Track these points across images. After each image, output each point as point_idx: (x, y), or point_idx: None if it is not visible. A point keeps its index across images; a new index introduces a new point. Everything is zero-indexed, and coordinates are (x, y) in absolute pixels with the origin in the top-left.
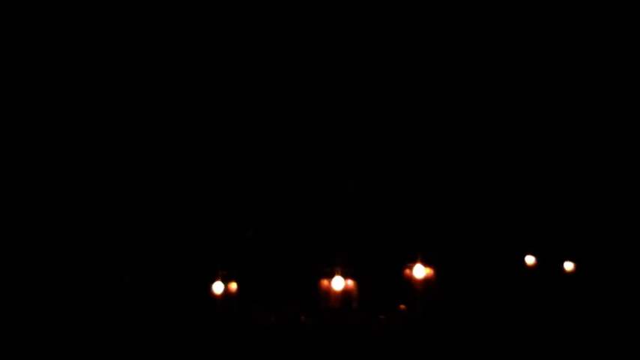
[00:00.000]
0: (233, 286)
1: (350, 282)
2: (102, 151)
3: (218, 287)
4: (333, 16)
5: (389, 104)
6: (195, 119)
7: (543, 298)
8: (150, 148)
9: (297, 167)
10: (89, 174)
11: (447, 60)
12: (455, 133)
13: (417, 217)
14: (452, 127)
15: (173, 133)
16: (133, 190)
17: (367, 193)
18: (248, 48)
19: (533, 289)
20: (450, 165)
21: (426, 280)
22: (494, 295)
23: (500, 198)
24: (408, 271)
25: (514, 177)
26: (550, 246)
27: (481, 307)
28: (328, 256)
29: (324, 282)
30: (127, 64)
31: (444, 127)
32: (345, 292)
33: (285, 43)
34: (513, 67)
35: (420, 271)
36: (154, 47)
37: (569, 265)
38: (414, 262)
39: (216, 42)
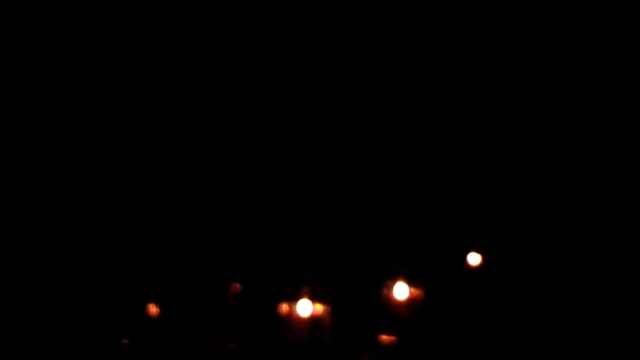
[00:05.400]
0: (153, 309)
1: (320, 306)
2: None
3: (134, 311)
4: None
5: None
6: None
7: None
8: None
9: (243, 148)
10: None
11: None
12: (447, 122)
13: (406, 217)
14: (443, 115)
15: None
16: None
17: (338, 183)
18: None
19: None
20: (444, 155)
21: (416, 303)
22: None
23: (502, 194)
24: (393, 290)
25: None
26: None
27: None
28: (290, 272)
29: (285, 306)
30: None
31: (432, 112)
32: (314, 319)
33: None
34: (490, 68)
35: (404, 291)
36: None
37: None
38: (397, 278)
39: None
